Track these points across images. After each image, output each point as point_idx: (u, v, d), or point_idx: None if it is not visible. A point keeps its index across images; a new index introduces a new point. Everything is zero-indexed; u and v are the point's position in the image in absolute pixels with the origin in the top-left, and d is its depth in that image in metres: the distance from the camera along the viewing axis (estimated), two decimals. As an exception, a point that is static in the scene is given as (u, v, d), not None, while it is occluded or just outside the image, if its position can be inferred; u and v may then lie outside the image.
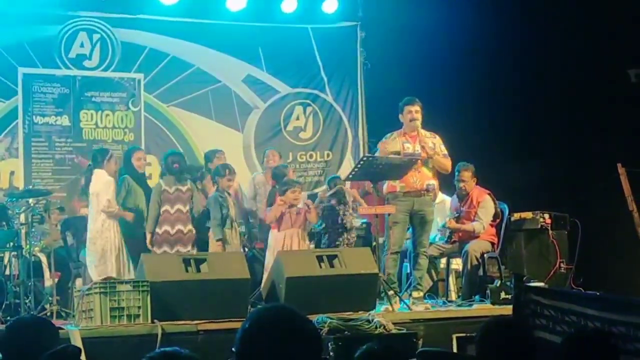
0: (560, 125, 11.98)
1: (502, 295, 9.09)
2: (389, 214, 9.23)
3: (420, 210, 9.29)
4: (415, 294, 9.16)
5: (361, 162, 9.19)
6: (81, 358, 3.73)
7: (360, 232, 10.68)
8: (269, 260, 9.30)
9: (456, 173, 10.03)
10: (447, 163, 9.47)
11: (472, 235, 9.85)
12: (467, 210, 9.95)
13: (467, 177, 10.00)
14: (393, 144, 9.41)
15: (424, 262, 9.36)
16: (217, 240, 9.38)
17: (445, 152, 9.48)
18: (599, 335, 3.99)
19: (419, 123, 9.44)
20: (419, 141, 9.37)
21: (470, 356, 3.85)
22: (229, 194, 9.75)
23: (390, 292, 8.84)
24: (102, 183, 9.24)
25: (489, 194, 10.01)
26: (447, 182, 10.51)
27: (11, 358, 4.02)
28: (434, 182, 9.44)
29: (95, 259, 9.18)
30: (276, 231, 9.58)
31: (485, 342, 4.16)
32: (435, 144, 9.41)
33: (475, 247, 9.70)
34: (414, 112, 9.43)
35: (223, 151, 11.02)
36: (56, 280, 9.76)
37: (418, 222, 9.33)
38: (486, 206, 9.92)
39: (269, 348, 2.80)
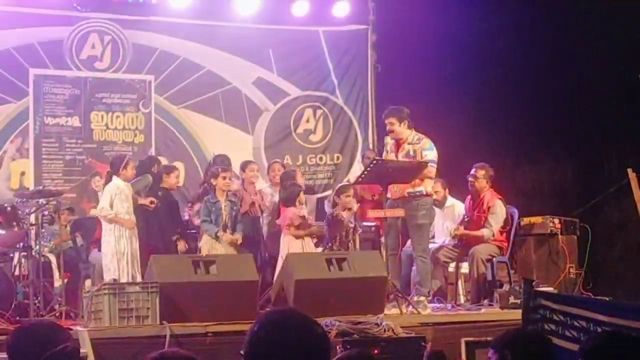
0: (570, 130, 11.96)
1: (511, 299, 9.05)
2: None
3: (409, 215, 9.19)
4: (416, 297, 9.10)
5: (371, 165, 9.17)
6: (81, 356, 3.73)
7: (369, 235, 10.67)
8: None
9: (472, 171, 9.99)
10: (426, 169, 9.26)
11: (482, 241, 9.79)
12: (477, 215, 9.90)
13: (480, 174, 9.92)
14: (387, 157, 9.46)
15: (422, 265, 9.22)
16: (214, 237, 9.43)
17: (428, 157, 9.20)
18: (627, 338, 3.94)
19: (392, 136, 9.36)
20: (401, 150, 9.30)
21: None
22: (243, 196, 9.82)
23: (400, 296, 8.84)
24: (106, 190, 9.37)
25: (500, 199, 9.95)
26: (457, 186, 10.50)
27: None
28: (421, 189, 9.21)
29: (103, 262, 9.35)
30: (287, 237, 9.57)
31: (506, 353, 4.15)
32: (416, 150, 9.29)
33: (481, 250, 9.64)
34: (388, 126, 9.40)
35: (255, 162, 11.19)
36: (65, 280, 9.79)
37: (410, 226, 9.25)
38: (497, 212, 9.84)
39: (278, 351, 2.80)
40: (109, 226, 9.23)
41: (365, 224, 10.53)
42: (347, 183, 10.39)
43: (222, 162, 10.64)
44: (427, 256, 9.31)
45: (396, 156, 9.27)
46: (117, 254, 9.11)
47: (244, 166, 10.65)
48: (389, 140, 9.52)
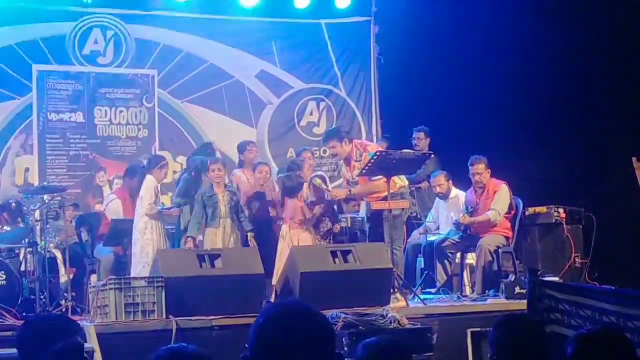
0: (575, 119, 11.92)
1: (517, 290, 9.05)
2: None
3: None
4: None
5: (375, 158, 9.17)
6: (86, 351, 3.72)
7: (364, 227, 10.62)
8: (280, 251, 9.32)
9: (469, 167, 9.96)
10: (370, 186, 9.45)
11: (489, 225, 9.76)
12: (483, 201, 9.88)
13: (480, 169, 9.90)
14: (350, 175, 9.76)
15: (393, 258, 9.30)
16: (189, 238, 9.45)
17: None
18: (613, 332, 3.94)
19: (338, 159, 9.81)
20: (354, 169, 9.55)
21: None
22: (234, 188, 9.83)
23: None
24: (146, 188, 9.57)
25: (504, 183, 9.93)
26: (460, 177, 10.48)
27: (27, 354, 4.01)
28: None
29: (135, 260, 9.42)
30: (286, 226, 9.56)
31: (499, 338, 4.14)
32: (356, 167, 9.50)
33: (489, 242, 9.64)
34: (331, 150, 9.83)
35: (255, 142, 11.42)
36: (71, 276, 9.80)
37: (383, 218, 9.41)
38: (502, 195, 9.83)
39: (283, 343, 2.79)
40: (150, 224, 9.37)
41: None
42: (320, 174, 10.35)
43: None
44: (399, 247, 9.38)
45: (352, 177, 9.60)
46: (151, 251, 9.27)
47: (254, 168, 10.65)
48: (342, 163, 9.76)
